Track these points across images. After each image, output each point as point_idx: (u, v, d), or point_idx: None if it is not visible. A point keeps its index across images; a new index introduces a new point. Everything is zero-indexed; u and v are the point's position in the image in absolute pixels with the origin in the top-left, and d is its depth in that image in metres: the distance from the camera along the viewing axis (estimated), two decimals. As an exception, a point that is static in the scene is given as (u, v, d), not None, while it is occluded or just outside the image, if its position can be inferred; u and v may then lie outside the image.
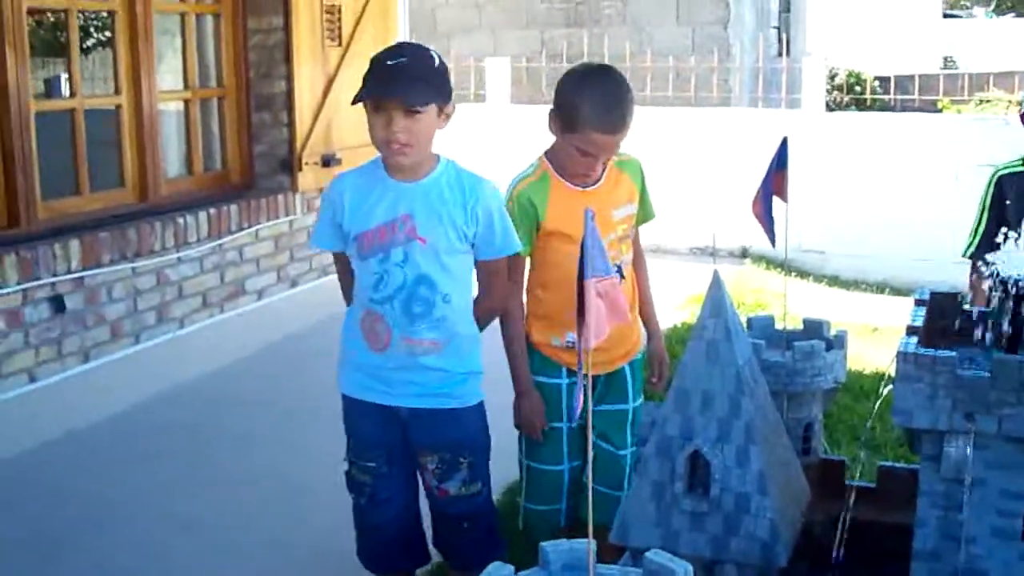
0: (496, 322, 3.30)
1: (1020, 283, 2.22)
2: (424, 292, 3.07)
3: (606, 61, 11.30)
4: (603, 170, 3.29)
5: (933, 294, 2.48)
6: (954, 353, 2.08)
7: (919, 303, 2.43)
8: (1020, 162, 3.79)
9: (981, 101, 19.06)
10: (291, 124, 6.82)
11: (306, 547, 4.04)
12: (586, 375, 1.55)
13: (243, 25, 6.72)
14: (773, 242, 3.14)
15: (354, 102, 2.97)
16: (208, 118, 6.74)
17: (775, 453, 2.44)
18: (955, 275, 8.50)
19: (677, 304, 7.65)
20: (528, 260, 3.35)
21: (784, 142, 3.18)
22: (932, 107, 17.43)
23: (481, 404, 3.24)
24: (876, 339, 6.99)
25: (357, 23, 7.20)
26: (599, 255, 1.55)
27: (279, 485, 4.61)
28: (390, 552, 3.32)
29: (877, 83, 20.89)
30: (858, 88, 18.12)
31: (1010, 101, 19.35)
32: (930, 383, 2.07)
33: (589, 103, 3.07)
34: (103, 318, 5.55)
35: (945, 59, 25.03)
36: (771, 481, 2.34)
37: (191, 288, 6.18)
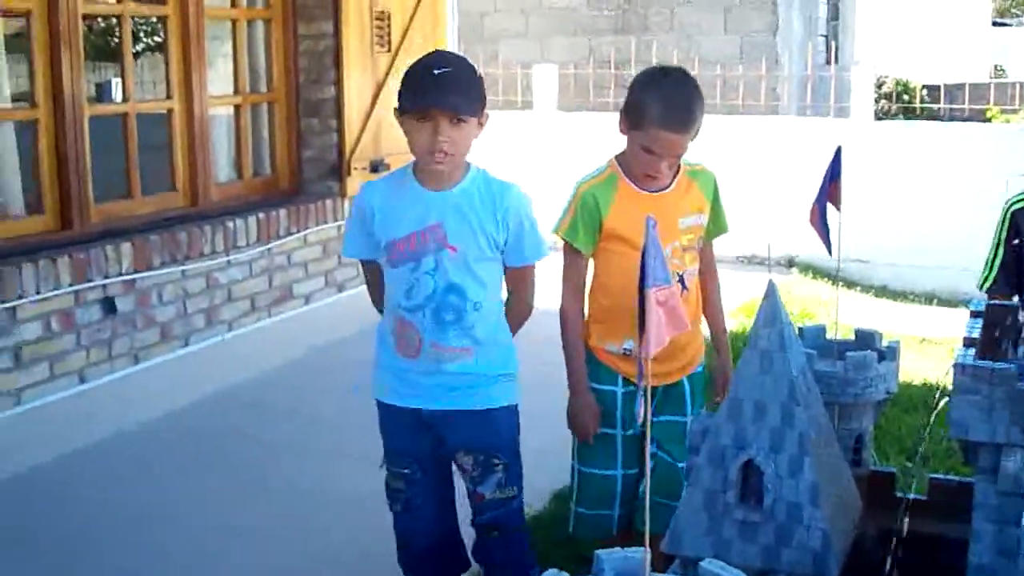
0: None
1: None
2: (454, 300, 3.08)
3: (653, 68, 11.32)
4: (674, 176, 3.26)
5: (988, 306, 2.46)
6: (1012, 366, 2.06)
7: (975, 315, 2.41)
8: None
9: (1032, 110, 18.85)
10: (340, 130, 6.87)
11: (354, 556, 4.04)
12: (646, 385, 1.55)
13: (293, 31, 6.78)
14: (829, 251, 3.12)
15: (404, 112, 2.98)
16: (258, 123, 6.82)
17: (828, 464, 2.43)
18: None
19: (725, 314, 7.60)
20: (591, 262, 3.35)
21: (838, 152, 3.16)
22: (981, 116, 17.28)
23: (514, 408, 3.25)
24: (924, 350, 6.94)
25: (406, 30, 7.25)
26: (660, 264, 1.55)
27: (327, 494, 4.61)
28: (427, 559, 3.33)
29: (925, 92, 20.74)
30: (906, 97, 18.00)
31: (1062, 111, 19.14)
32: (988, 395, 2.05)
33: (656, 100, 3.07)
34: (153, 320, 5.61)
35: (995, 67, 24.78)
36: (823, 492, 2.33)
37: (239, 292, 6.23)
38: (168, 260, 5.64)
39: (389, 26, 7.12)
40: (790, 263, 9.55)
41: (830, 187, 3.17)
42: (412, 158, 3.07)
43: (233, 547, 4.18)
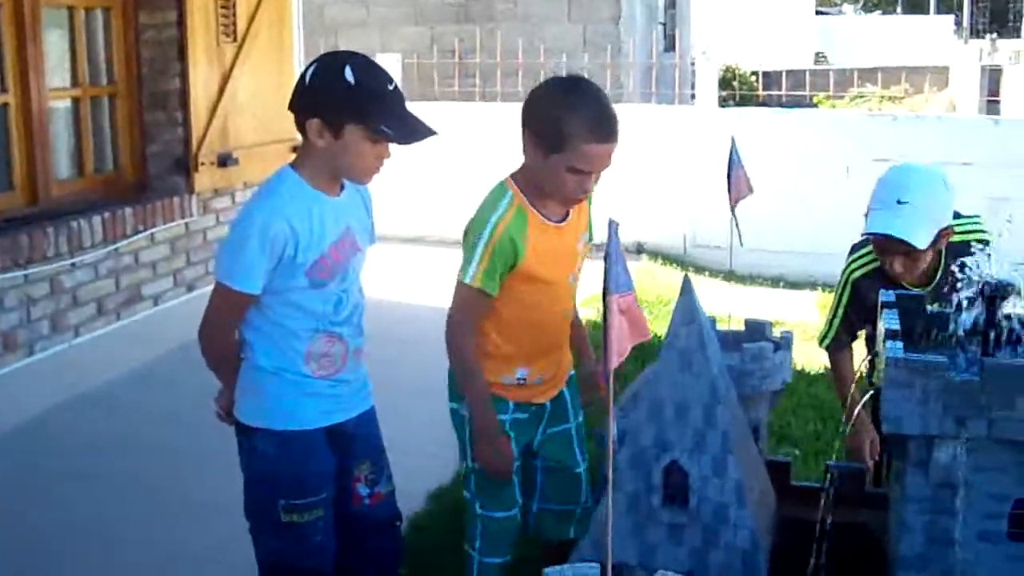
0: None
1: (994, 286, 2.22)
2: (362, 300, 3.03)
3: (498, 58, 11.29)
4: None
5: (898, 296, 2.47)
6: (944, 358, 2.06)
7: (887, 305, 2.41)
8: (872, 258, 3.45)
9: (856, 96, 19.61)
10: (186, 123, 6.60)
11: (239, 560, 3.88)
12: (610, 398, 1.47)
13: (135, 20, 6.48)
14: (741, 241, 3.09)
15: (406, 142, 2.78)
16: (100, 117, 6.48)
17: (748, 460, 2.41)
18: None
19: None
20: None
21: (733, 142, 3.15)
22: (807, 102, 17.87)
23: None
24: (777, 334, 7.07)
25: (252, 19, 7.01)
26: (622, 270, 1.47)
27: (207, 499, 4.43)
28: None
29: (753, 78, 21.33)
30: (735, 83, 18.45)
31: (882, 96, 19.97)
32: (922, 388, 2.04)
33: (579, 116, 2.83)
34: (-5, 329, 5.30)
35: (816, 55, 25.67)
36: (748, 490, 2.31)
37: (86, 295, 5.94)
38: (9, 264, 5.32)
39: (235, 15, 6.87)
40: (639, 249, 9.64)
41: (734, 177, 3.15)
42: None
43: (117, 554, 4.01)
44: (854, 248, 3.56)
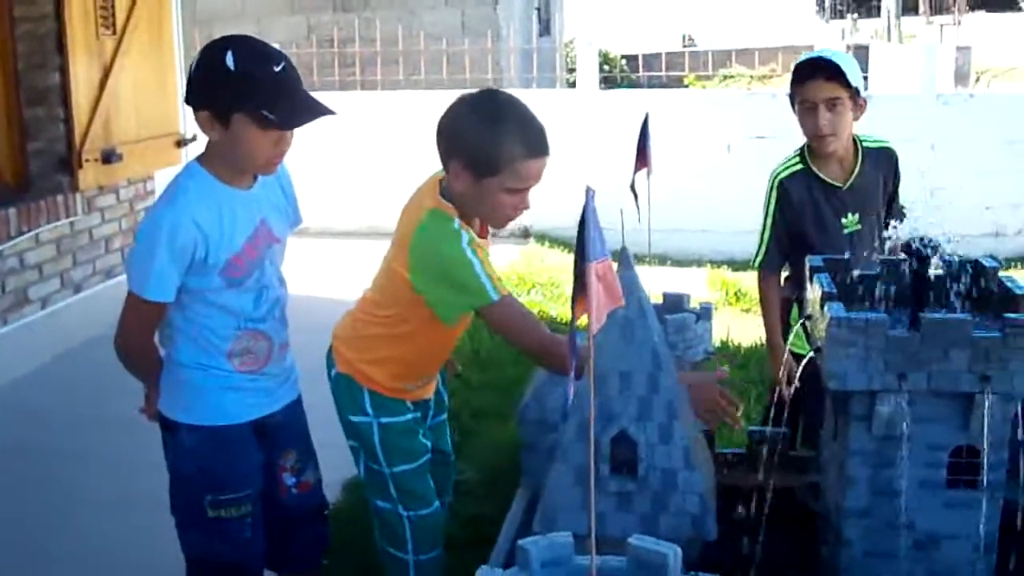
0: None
1: (923, 246, 2.30)
2: (284, 291, 2.99)
3: (378, 46, 11.21)
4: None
5: (824, 259, 2.54)
6: (884, 316, 2.13)
7: (816, 269, 2.48)
8: (797, 160, 3.73)
9: (725, 77, 20.00)
10: (68, 119, 6.38)
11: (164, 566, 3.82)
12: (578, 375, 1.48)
13: (8, 12, 6.23)
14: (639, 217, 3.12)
15: (292, 126, 2.69)
16: (-25, 115, 6.25)
17: (691, 427, 2.45)
18: (733, 245, 8.93)
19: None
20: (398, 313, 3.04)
21: (646, 120, 3.19)
22: (678, 83, 18.16)
23: None
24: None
25: (131, 11, 6.82)
26: (598, 237, 1.49)
27: (125, 502, 4.35)
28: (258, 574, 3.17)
29: (624, 61, 21.60)
30: (606, 67, 18.65)
31: (752, 76, 20.39)
32: (863, 346, 2.11)
33: (512, 135, 2.78)
34: None
35: (685, 36, 26.09)
36: (694, 455, 2.35)
37: (-29, 300, 5.73)
38: None
39: (113, 7, 6.67)
40: (525, 233, 9.71)
41: (642, 154, 3.19)
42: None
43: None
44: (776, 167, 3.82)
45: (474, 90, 2.99)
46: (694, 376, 2.88)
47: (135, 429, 4.54)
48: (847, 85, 3.51)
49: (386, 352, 3.06)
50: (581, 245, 1.48)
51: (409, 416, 3.11)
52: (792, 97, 3.66)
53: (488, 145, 2.76)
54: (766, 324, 3.73)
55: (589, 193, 1.45)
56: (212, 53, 2.68)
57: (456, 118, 2.86)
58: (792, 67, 3.69)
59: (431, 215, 2.87)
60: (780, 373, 3.24)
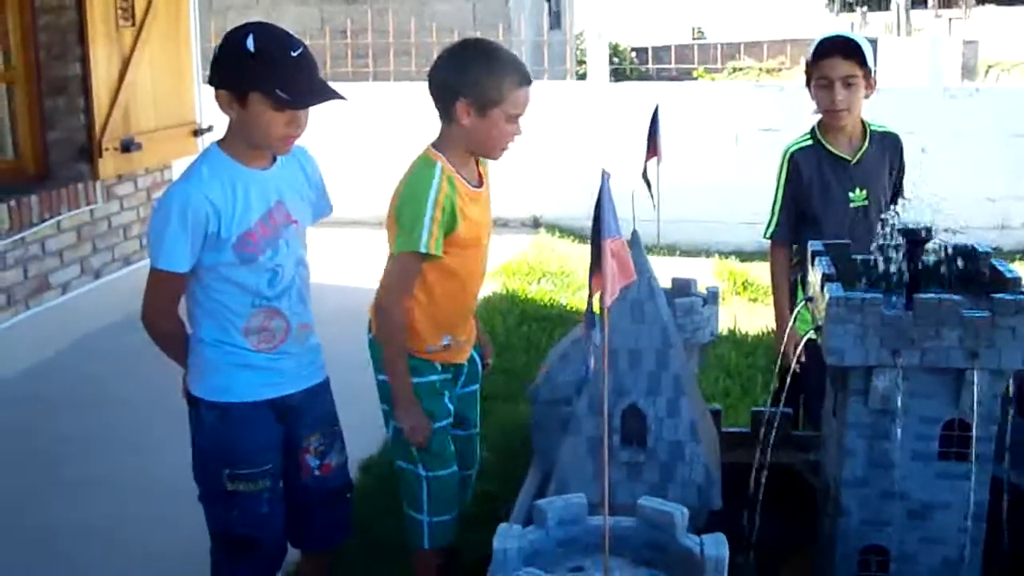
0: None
1: (918, 231, 2.42)
2: (304, 274, 3.08)
3: (391, 38, 11.32)
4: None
5: (825, 244, 2.66)
6: (880, 295, 2.25)
7: (818, 253, 2.60)
8: (808, 136, 3.92)
9: (734, 69, 20.09)
10: (88, 109, 6.51)
11: (178, 551, 3.93)
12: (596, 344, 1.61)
13: (30, 4, 6.36)
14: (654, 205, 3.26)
15: (303, 105, 2.83)
16: (-3, 104, 6.39)
17: (697, 402, 2.57)
18: (741, 235, 9.03)
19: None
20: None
21: (656, 111, 3.32)
22: (688, 76, 18.25)
23: None
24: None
25: (149, 2, 6.94)
26: (612, 217, 1.61)
27: (137, 487, 4.45)
28: (275, 556, 3.24)
29: (634, 54, 21.67)
30: (616, 59, 18.73)
31: (760, 69, 20.48)
32: (860, 323, 2.23)
33: (502, 66, 3.09)
34: (-98, 321, 5.21)
35: (695, 29, 26.15)
36: (700, 429, 2.48)
37: (-6, 285, 5.86)
38: (-85, 255, 5.23)
39: (132, -1, 6.81)
40: (535, 223, 9.82)
41: (652, 144, 3.31)
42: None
43: (38, 550, 4.00)
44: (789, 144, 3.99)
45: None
46: (418, 408, 3.21)
47: (153, 414, 4.69)
48: (863, 63, 3.71)
49: (407, 311, 3.21)
50: (597, 224, 1.61)
51: (435, 377, 3.26)
52: (809, 74, 3.83)
53: (489, 79, 3.07)
54: (774, 288, 3.88)
55: (605, 175, 1.58)
56: (234, 36, 2.84)
57: (451, 66, 3.16)
58: (812, 45, 3.85)
59: (417, 160, 3.19)
60: (785, 337, 3.38)
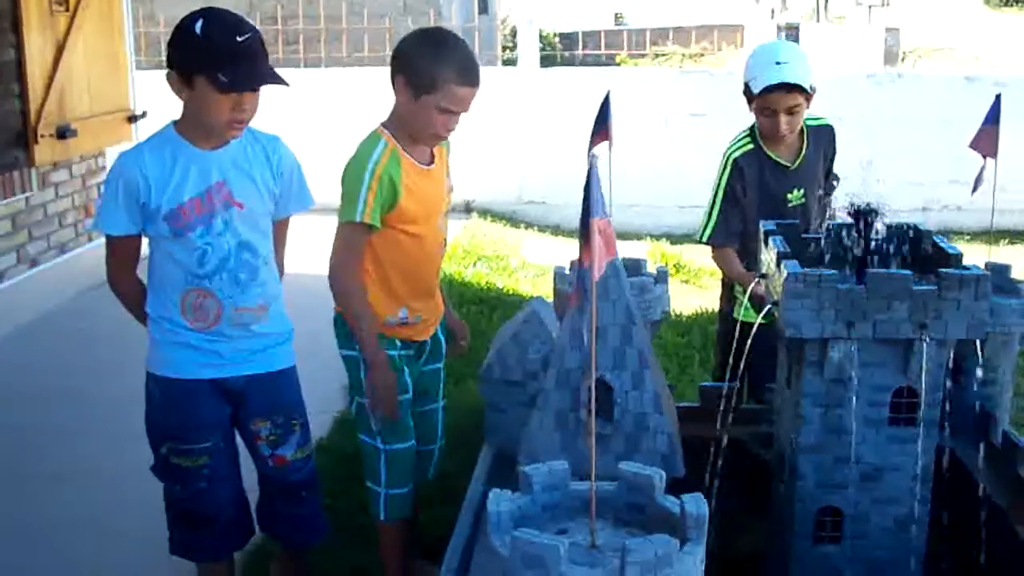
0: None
1: (868, 212, 2.56)
2: (248, 258, 3.10)
3: (322, 24, 11.31)
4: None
5: (777, 223, 2.79)
6: (835, 272, 2.39)
7: (771, 233, 2.73)
8: (748, 140, 3.98)
9: (657, 55, 20.30)
10: (23, 95, 6.47)
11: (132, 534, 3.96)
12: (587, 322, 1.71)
13: (-37, -10, 6.31)
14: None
15: (239, 89, 2.90)
16: (-70, 91, 6.31)
17: (659, 376, 2.69)
18: (672, 219, 9.21)
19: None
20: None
21: (607, 97, 3.43)
22: (611, 61, 18.42)
23: (295, 367, 3.32)
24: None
25: (83, -13, 6.91)
26: (600, 197, 1.72)
27: (89, 474, 4.46)
28: (229, 532, 3.31)
29: (557, 39, 21.80)
30: (541, 44, 18.84)
31: (683, 55, 20.74)
32: (817, 298, 2.37)
33: (448, 61, 3.12)
34: None
35: (616, 15, 26.35)
36: (663, 401, 2.59)
37: (-71, 275, 5.81)
38: None
39: (66, -17, 6.76)
40: (468, 208, 9.91)
41: (601, 130, 3.42)
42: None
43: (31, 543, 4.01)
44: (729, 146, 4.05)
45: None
46: (389, 372, 3.26)
47: (89, 403, 4.66)
48: (804, 91, 3.78)
49: (364, 281, 3.29)
50: (587, 204, 1.71)
51: (394, 353, 3.32)
52: (749, 96, 3.88)
53: (429, 66, 3.13)
54: (732, 274, 3.96)
55: (593, 159, 1.68)
56: (187, 20, 2.94)
57: (407, 42, 3.25)
58: (754, 78, 3.84)
59: (369, 136, 3.26)
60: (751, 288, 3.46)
